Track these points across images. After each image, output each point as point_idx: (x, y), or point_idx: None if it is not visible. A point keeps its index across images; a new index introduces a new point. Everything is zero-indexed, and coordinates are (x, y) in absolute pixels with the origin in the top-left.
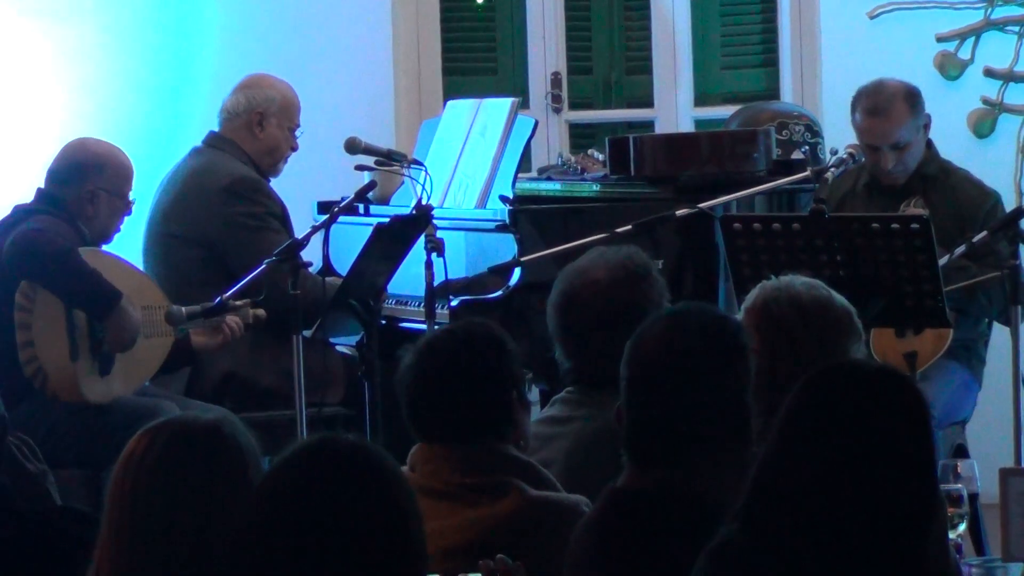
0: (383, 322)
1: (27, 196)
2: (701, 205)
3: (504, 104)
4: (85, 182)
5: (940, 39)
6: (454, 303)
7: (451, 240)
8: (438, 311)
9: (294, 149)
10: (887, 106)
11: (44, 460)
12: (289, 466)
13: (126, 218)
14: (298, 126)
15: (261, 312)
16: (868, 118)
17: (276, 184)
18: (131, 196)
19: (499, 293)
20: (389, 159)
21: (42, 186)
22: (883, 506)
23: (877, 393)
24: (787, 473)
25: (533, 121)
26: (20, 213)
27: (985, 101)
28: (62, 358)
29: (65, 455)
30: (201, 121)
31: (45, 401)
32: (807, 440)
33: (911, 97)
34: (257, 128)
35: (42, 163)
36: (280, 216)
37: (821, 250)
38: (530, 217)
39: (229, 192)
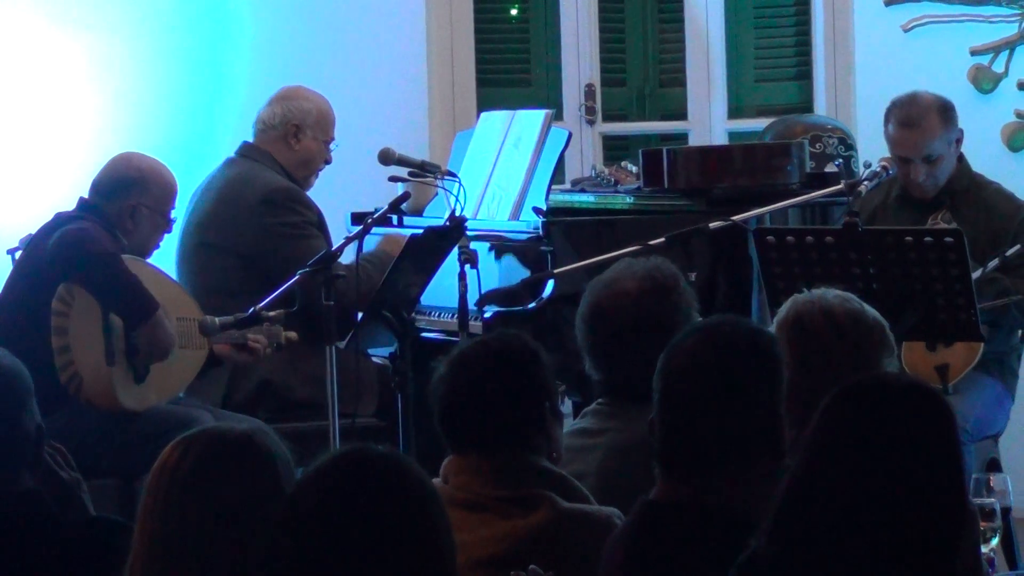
0: (425, 335)
1: (61, 204)
2: (734, 218)
3: (538, 116)
4: (128, 197)
5: (974, 52)
6: (488, 315)
7: (484, 252)
8: (471, 323)
9: (328, 162)
10: (920, 118)
11: (78, 468)
12: (320, 476)
13: (165, 235)
14: (333, 139)
15: (293, 335)
16: (900, 130)
17: (310, 195)
18: (173, 215)
19: (532, 305)
20: (423, 170)
21: (85, 196)
22: (913, 520)
23: (906, 407)
24: (817, 486)
25: (567, 133)
26: (62, 220)
27: (1019, 114)
28: (98, 362)
29: (99, 464)
30: (235, 131)
31: (80, 409)
32: (837, 453)
33: (944, 110)
34: (292, 140)
35: (75, 171)
36: (318, 224)
37: (854, 263)
38: (563, 229)
39: (268, 202)
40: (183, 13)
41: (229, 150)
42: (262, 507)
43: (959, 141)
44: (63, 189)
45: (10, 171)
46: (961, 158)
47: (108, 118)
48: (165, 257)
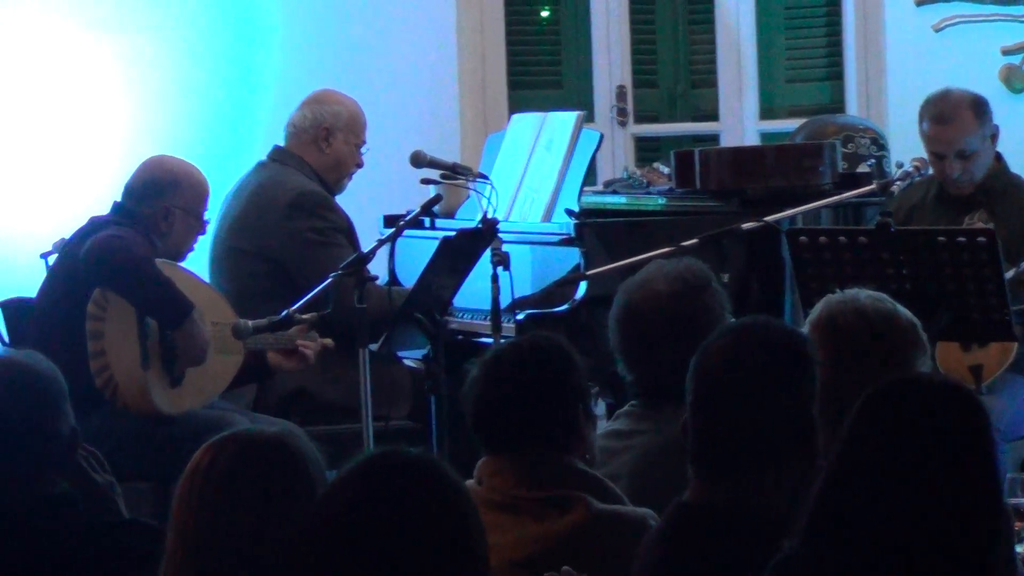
0: (459, 337)
1: (94, 207)
2: (767, 218)
3: (569, 118)
4: (161, 199)
5: (1005, 52)
6: (520, 317)
7: (517, 254)
8: (504, 325)
9: (359, 166)
10: (953, 114)
11: (112, 472)
12: (352, 479)
13: (199, 237)
14: (364, 143)
15: (329, 341)
16: (934, 126)
17: (342, 198)
18: (206, 216)
19: (565, 307)
20: (455, 172)
21: (119, 200)
22: (947, 520)
23: (940, 407)
24: (850, 488)
25: (598, 134)
26: (96, 224)
27: None
28: (133, 366)
29: (132, 467)
30: (265, 134)
31: (114, 412)
32: (870, 454)
33: (978, 106)
34: (324, 143)
35: (108, 175)
36: (346, 231)
37: (887, 263)
38: (596, 231)
39: (294, 206)
40: (214, 15)
41: (259, 153)
42: (294, 510)
43: (994, 137)
44: (96, 192)
45: (43, 175)
46: (999, 157)
47: (139, 121)
48: (197, 260)
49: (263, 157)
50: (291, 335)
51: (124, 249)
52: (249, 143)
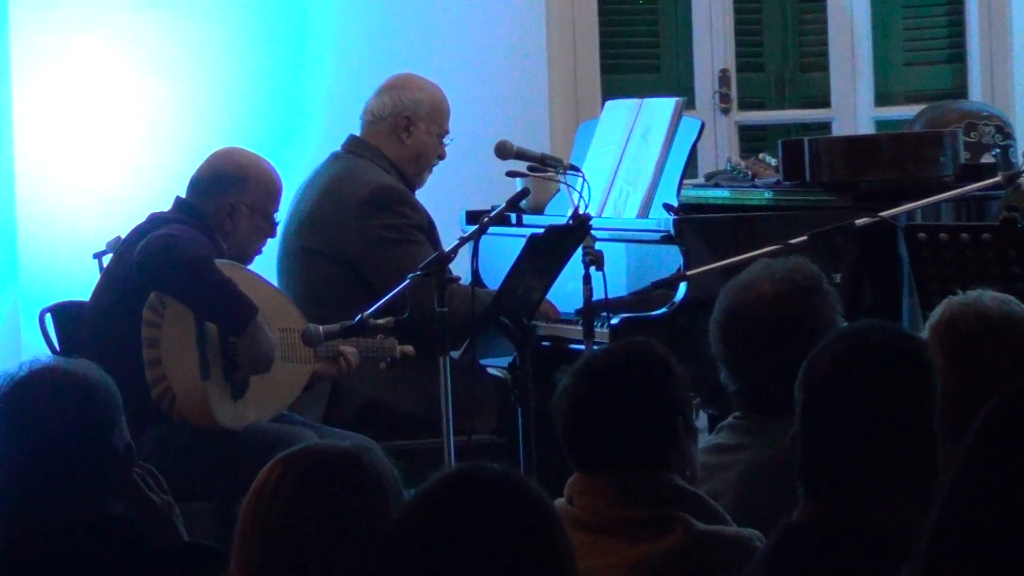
0: (546, 344)
1: (154, 203)
2: (882, 214)
3: (668, 104)
4: (226, 194)
5: None
6: (615, 321)
7: (611, 252)
8: (597, 330)
9: (441, 157)
10: None
11: (170, 491)
12: (430, 498)
13: (269, 240)
14: (447, 133)
15: (410, 349)
16: None
17: (420, 193)
18: (276, 216)
19: (663, 310)
20: (543, 164)
21: (182, 195)
22: None
23: None
24: (974, 508)
25: (699, 122)
26: (156, 221)
27: None
28: (192, 376)
29: (192, 486)
30: (322, 122)
31: (172, 427)
32: (997, 470)
33: None
34: (403, 133)
35: (170, 168)
36: (426, 228)
37: (1013, 262)
38: (697, 227)
39: (370, 203)
40: None
41: (316, 142)
42: (368, 531)
43: None
44: (156, 186)
45: (98, 167)
46: None
47: (200, 107)
48: (265, 263)
49: (338, 148)
50: (362, 341)
51: (181, 248)
52: (303, 130)
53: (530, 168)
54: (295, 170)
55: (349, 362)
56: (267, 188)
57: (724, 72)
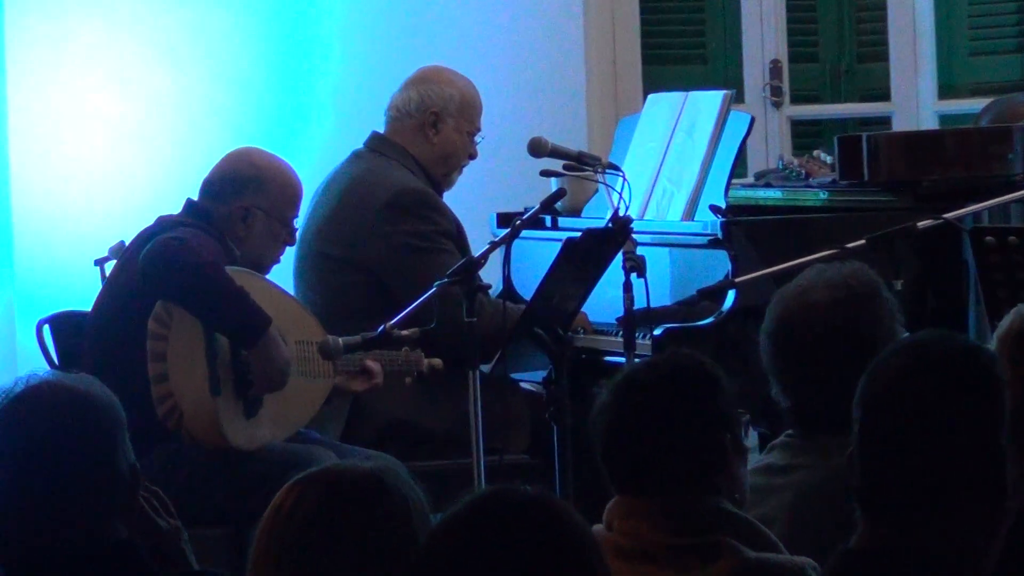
0: (583, 356)
1: (162, 206)
2: (947, 215)
3: (715, 98)
4: (240, 197)
5: None
6: (657, 332)
7: (653, 258)
8: (639, 341)
9: (472, 157)
10: None
11: (178, 515)
12: (458, 523)
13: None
14: (478, 130)
15: (437, 361)
16: None
17: (448, 195)
18: (295, 222)
19: (710, 320)
20: (580, 163)
21: (193, 197)
22: None
23: None
24: None
25: (749, 117)
26: (164, 225)
27: None
28: (201, 392)
29: (203, 509)
30: (335, 117)
31: (181, 446)
32: None
33: None
34: (431, 131)
35: (179, 168)
36: (454, 234)
37: None
38: (746, 230)
39: (393, 207)
40: None
41: (326, 136)
42: (392, 559)
43: None
44: (164, 188)
45: (102, 167)
46: None
47: (214, 100)
48: (281, 271)
49: (360, 146)
50: (386, 353)
51: (190, 252)
52: (309, 124)
53: (566, 167)
54: (305, 167)
55: (374, 374)
56: (285, 192)
57: (776, 63)
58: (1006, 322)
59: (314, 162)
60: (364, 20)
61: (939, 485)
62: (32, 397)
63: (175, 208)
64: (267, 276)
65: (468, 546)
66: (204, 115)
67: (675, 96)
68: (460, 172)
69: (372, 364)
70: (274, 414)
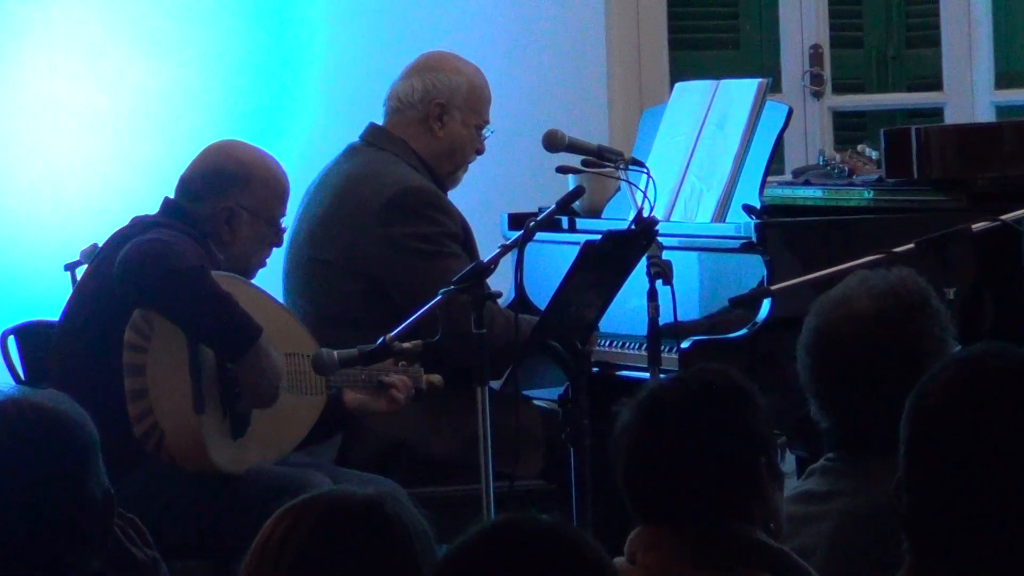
0: (595, 370)
1: (137, 206)
2: (1004, 217)
3: (749, 86)
4: (223, 196)
5: None
6: (685, 345)
7: (681, 263)
8: (664, 355)
9: (479, 152)
10: None
11: (157, 546)
12: (466, 555)
13: (274, 249)
14: (487, 123)
15: (437, 378)
16: None
17: (454, 194)
18: (283, 222)
19: (743, 332)
20: (600, 158)
21: (171, 196)
22: None
23: None
24: None
25: (786, 108)
26: (140, 226)
27: None
28: (183, 410)
29: (184, 540)
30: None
31: (160, 470)
32: None
33: None
34: (435, 124)
35: (155, 164)
36: (461, 237)
37: None
38: (783, 233)
39: (394, 207)
40: None
41: (309, 129)
42: None
43: None
44: (139, 186)
45: (67, 164)
46: None
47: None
48: (270, 277)
49: (356, 139)
50: (383, 368)
51: (170, 256)
52: (293, 115)
53: (584, 163)
54: (292, 161)
55: (397, 396)
56: (272, 189)
57: (816, 48)
58: None
59: (302, 156)
60: (357, 0)
61: (996, 515)
62: None
63: (153, 208)
64: (252, 281)
65: None
66: (184, 106)
67: (705, 85)
68: (467, 169)
69: (394, 379)
70: (263, 434)
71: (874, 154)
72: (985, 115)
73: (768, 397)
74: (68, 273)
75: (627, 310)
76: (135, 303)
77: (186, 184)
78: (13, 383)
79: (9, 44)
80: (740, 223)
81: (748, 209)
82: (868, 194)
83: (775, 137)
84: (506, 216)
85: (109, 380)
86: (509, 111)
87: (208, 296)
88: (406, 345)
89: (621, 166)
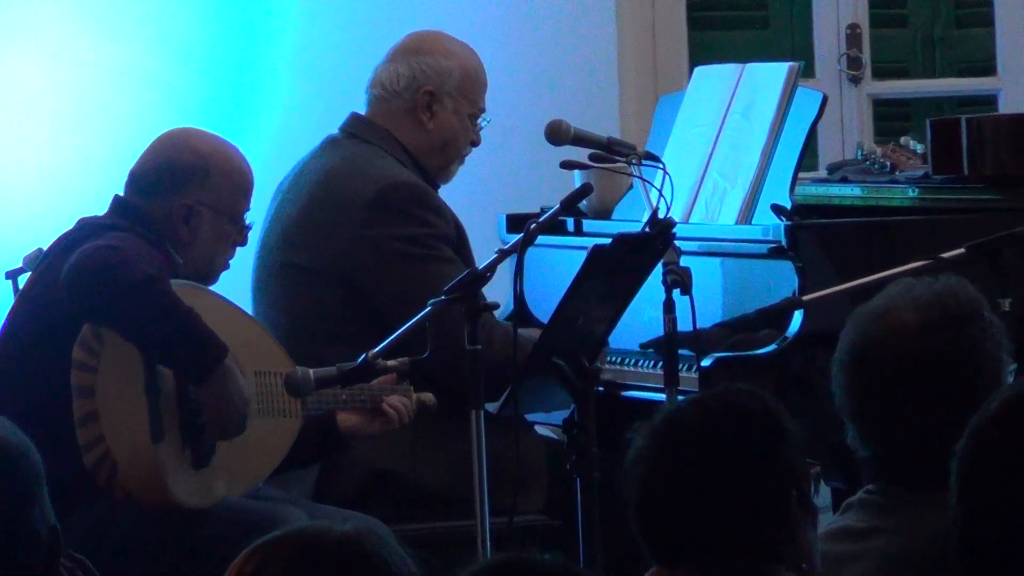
0: (601, 389)
1: (84, 206)
2: None
3: (778, 71)
4: (181, 193)
5: None
6: (706, 362)
7: (701, 270)
8: (683, 374)
9: (475, 144)
10: None
11: None
12: None
13: (238, 249)
14: (483, 111)
15: (429, 396)
16: None
17: (447, 191)
18: (247, 219)
19: (772, 348)
20: (611, 152)
21: (121, 193)
22: None
23: None
24: None
25: (820, 96)
26: (89, 229)
27: None
28: (139, 439)
29: None
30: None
31: (112, 505)
32: None
33: None
34: (424, 113)
35: (104, 159)
36: (453, 239)
37: None
38: (817, 236)
39: (378, 205)
40: None
41: (279, 117)
42: None
43: None
44: (86, 185)
45: (8, 159)
46: None
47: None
48: (237, 284)
49: (334, 130)
50: (374, 387)
51: (123, 265)
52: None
53: (592, 157)
54: (260, 153)
55: (399, 412)
56: (234, 182)
57: (854, 28)
58: None
59: (273, 148)
60: None
61: None
62: None
63: (101, 208)
64: (217, 290)
65: None
66: (138, 91)
67: (729, 69)
68: (461, 162)
69: (395, 401)
70: (230, 464)
71: (919, 147)
72: None
73: (800, 422)
74: (9, 282)
75: (641, 323)
76: (84, 318)
77: (137, 180)
78: None
79: None
80: (768, 225)
81: (777, 209)
82: (912, 192)
83: (807, 128)
84: (504, 217)
85: (55, 403)
86: (507, 98)
87: (166, 310)
88: (391, 363)
89: (634, 161)
